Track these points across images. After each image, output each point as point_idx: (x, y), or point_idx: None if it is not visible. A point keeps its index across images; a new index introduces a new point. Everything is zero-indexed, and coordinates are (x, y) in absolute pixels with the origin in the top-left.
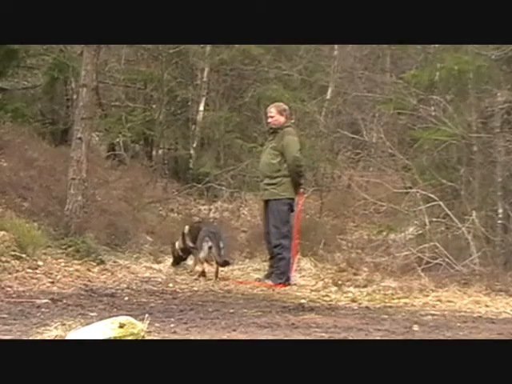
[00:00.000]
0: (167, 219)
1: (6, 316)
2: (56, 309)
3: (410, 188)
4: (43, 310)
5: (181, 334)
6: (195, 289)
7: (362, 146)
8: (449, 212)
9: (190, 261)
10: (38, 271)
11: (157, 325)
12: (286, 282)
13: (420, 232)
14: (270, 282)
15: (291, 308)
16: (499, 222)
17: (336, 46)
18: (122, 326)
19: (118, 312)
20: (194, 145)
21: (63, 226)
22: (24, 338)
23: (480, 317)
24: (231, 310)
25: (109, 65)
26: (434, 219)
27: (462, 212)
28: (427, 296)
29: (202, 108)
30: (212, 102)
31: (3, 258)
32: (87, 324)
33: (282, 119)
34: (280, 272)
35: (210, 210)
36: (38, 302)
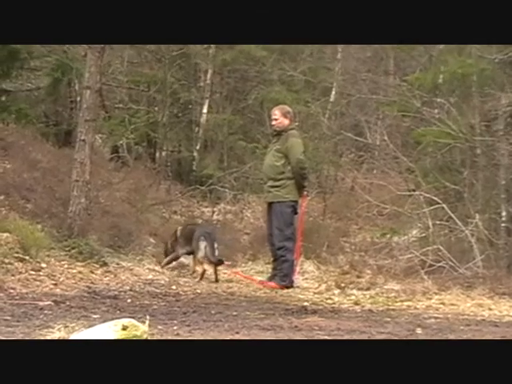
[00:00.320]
0: (170, 221)
1: (9, 318)
2: (59, 311)
3: (414, 190)
4: (46, 311)
5: (184, 337)
6: (198, 291)
7: (366, 149)
8: (452, 215)
9: (185, 259)
10: (41, 273)
11: (160, 327)
12: (289, 284)
13: (423, 235)
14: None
15: (294, 310)
16: (503, 224)
17: (339, 49)
18: (124, 328)
19: (120, 314)
20: (198, 147)
21: (66, 227)
22: (27, 339)
23: (483, 320)
24: (234, 313)
25: (112, 67)
26: (438, 222)
27: (465, 215)
28: (430, 299)
29: (205, 110)
30: (215, 104)
31: (6, 260)
32: (90, 326)
33: (286, 121)
34: (283, 274)
35: (214, 212)
36: (41, 303)
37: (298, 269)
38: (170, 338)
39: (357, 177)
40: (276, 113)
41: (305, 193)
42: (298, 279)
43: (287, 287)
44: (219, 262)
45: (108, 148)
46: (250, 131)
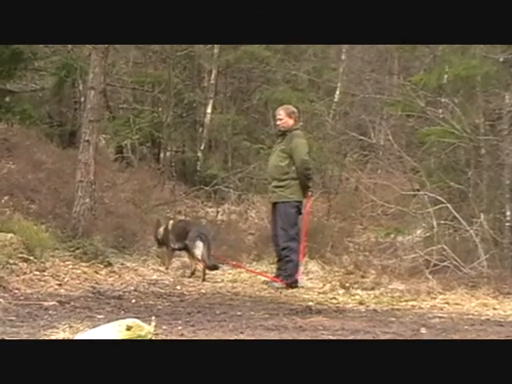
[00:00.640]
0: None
1: (13, 318)
2: (63, 311)
3: (418, 190)
4: (51, 312)
5: (188, 337)
6: (203, 291)
7: (370, 148)
8: (457, 214)
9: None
10: (45, 273)
11: (164, 327)
12: (294, 284)
13: (428, 234)
14: (278, 283)
15: (299, 310)
16: (507, 224)
17: (344, 49)
18: (129, 328)
19: (125, 314)
20: (202, 147)
21: (71, 228)
22: (31, 339)
23: (488, 319)
24: (238, 313)
25: (117, 67)
26: (442, 222)
27: (469, 214)
28: (435, 299)
29: (209, 110)
30: (219, 104)
31: (11, 261)
32: (94, 326)
33: (290, 122)
34: (287, 274)
35: (218, 212)
36: (46, 304)
37: (302, 269)
38: (174, 338)
39: (361, 177)
40: (281, 113)
41: (309, 193)
42: (302, 279)
43: (291, 287)
44: (214, 268)
45: (112, 148)
46: (254, 131)
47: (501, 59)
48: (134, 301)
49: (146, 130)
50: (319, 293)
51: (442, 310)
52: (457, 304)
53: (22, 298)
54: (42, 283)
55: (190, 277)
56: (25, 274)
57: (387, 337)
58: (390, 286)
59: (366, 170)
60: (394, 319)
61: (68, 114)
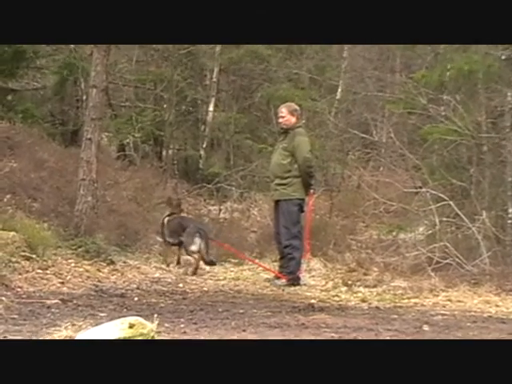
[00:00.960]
0: None
1: (16, 316)
2: (66, 309)
3: (420, 188)
4: (53, 310)
5: (191, 335)
6: (205, 289)
7: (372, 146)
8: (459, 212)
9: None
10: (48, 272)
11: (167, 325)
12: (295, 281)
13: (430, 232)
14: (280, 281)
15: (301, 308)
16: (509, 221)
17: (345, 47)
18: (131, 326)
19: (127, 312)
20: (204, 145)
21: (73, 226)
22: (34, 338)
23: (490, 317)
24: (241, 311)
25: (119, 65)
26: (444, 219)
27: (472, 212)
28: (437, 296)
29: (211, 108)
30: (222, 102)
31: (13, 259)
32: (97, 324)
33: (293, 119)
34: (289, 271)
35: (220, 210)
36: (48, 302)
37: (304, 266)
38: (176, 336)
39: (363, 174)
40: (283, 110)
41: (311, 191)
42: (304, 277)
43: (294, 285)
44: (212, 263)
45: (114, 147)
46: (256, 129)
47: (503, 57)
48: (136, 299)
49: (148, 128)
50: (322, 290)
51: (444, 307)
52: (459, 301)
53: (24, 296)
54: (45, 281)
55: (176, 265)
56: (27, 272)
57: (390, 334)
58: (393, 284)
59: (368, 168)
60: (396, 317)
61: (70, 112)
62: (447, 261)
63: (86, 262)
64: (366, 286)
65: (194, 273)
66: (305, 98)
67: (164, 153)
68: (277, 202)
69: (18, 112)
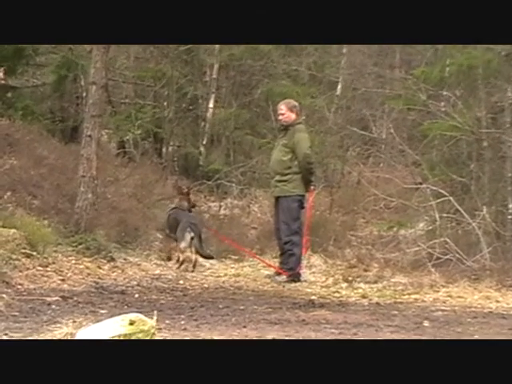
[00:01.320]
0: None
1: (16, 313)
2: (66, 306)
3: (420, 184)
4: (54, 307)
5: (191, 331)
6: (205, 286)
7: (372, 142)
8: (459, 207)
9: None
10: (48, 269)
11: (167, 322)
12: (295, 277)
13: (430, 228)
14: (281, 277)
15: (301, 304)
16: (509, 217)
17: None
18: (132, 323)
19: (128, 309)
20: (204, 142)
21: (73, 223)
22: (35, 335)
23: (491, 312)
24: (241, 307)
25: (118, 62)
26: (445, 215)
27: (472, 207)
28: (438, 292)
29: (211, 105)
30: (221, 98)
31: (14, 256)
32: (97, 321)
33: (292, 116)
34: (289, 268)
35: (220, 206)
36: (49, 299)
37: (304, 263)
38: (177, 332)
39: (363, 170)
40: (282, 107)
41: (312, 187)
42: (305, 273)
43: (294, 281)
44: (209, 257)
45: (114, 143)
46: (256, 125)
47: (503, 52)
48: (137, 295)
49: (148, 125)
50: (322, 286)
51: (444, 303)
52: (460, 297)
53: (25, 293)
54: (45, 278)
55: (178, 267)
56: (28, 269)
57: (390, 330)
58: (393, 280)
59: (368, 164)
60: (396, 312)
61: (70, 109)
62: (447, 256)
63: (86, 259)
64: (367, 282)
65: (178, 267)
66: (304, 94)
67: (164, 149)
68: (277, 199)
69: (17, 109)
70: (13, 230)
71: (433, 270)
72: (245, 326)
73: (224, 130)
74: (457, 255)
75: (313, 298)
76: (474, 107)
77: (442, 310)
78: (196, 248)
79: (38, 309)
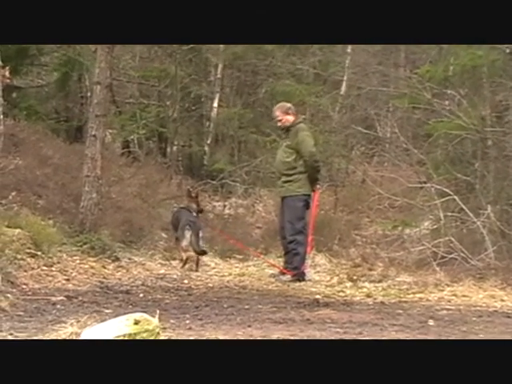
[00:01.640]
0: None
1: (21, 313)
2: (71, 306)
3: (425, 183)
4: (58, 307)
5: (196, 331)
6: (210, 285)
7: (377, 141)
8: (464, 206)
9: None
10: (53, 268)
11: (172, 321)
12: (300, 277)
13: (435, 226)
14: (285, 277)
15: (306, 303)
16: None
17: None
18: (137, 322)
19: (133, 309)
20: (209, 141)
21: (78, 223)
22: (40, 334)
23: (496, 311)
24: (246, 306)
25: (122, 62)
26: (449, 214)
27: (477, 206)
28: (442, 291)
29: (215, 104)
30: (226, 98)
31: (19, 256)
32: (102, 321)
33: (290, 118)
34: (293, 267)
35: (225, 206)
36: (54, 299)
37: (309, 262)
38: (182, 332)
39: (368, 170)
40: (277, 114)
41: (317, 186)
42: (309, 272)
43: (298, 280)
44: (202, 252)
45: (119, 143)
46: (260, 125)
47: (507, 50)
48: (141, 295)
49: (153, 124)
50: (327, 286)
51: (449, 301)
52: (464, 296)
53: (29, 293)
54: (50, 278)
55: (182, 267)
56: (32, 269)
57: (395, 329)
58: (398, 279)
59: (373, 163)
60: (401, 311)
61: (74, 109)
62: (452, 255)
63: (91, 259)
64: (371, 281)
65: (182, 267)
66: (309, 93)
67: (168, 149)
68: (283, 199)
69: (22, 109)
70: (18, 230)
71: (437, 268)
72: (249, 326)
73: (228, 129)
74: (461, 254)
75: (317, 297)
76: (478, 106)
77: (447, 309)
78: (192, 245)
79: (43, 308)
